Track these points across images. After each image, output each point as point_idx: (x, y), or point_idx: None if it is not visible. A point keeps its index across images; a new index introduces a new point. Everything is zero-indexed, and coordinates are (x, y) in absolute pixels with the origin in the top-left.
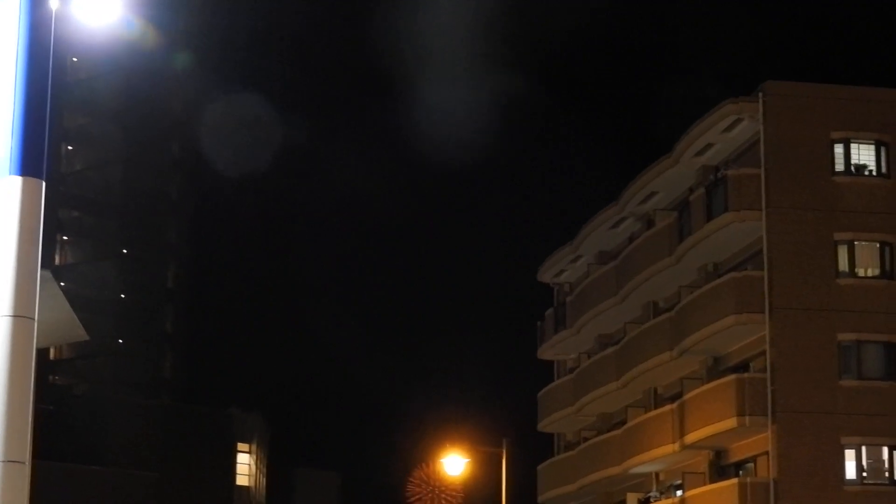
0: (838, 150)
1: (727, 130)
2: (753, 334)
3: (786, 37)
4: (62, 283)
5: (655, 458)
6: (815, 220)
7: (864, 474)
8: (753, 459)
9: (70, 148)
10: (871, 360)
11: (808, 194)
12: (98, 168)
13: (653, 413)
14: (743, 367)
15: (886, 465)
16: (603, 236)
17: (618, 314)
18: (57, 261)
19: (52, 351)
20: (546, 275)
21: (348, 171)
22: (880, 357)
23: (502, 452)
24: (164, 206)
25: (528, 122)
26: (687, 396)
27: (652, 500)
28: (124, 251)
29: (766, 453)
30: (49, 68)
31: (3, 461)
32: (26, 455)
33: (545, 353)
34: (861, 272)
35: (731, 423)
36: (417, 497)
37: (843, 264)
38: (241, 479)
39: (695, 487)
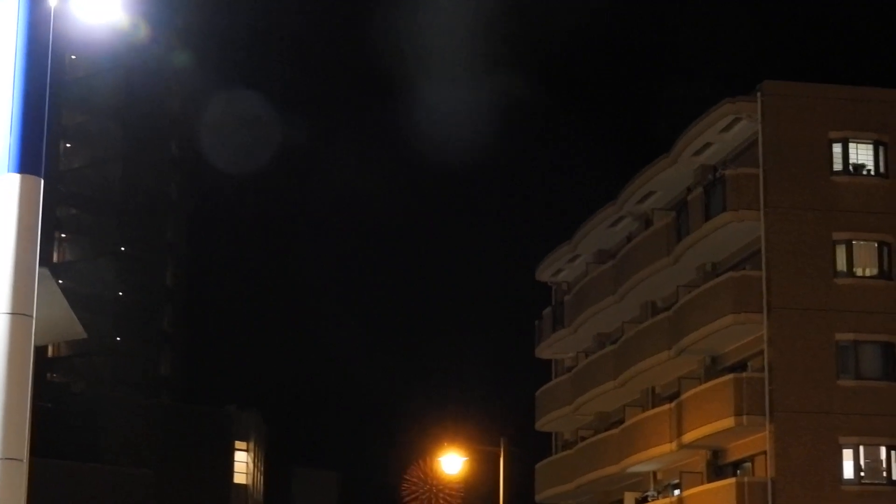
0: (837, 149)
1: (725, 130)
2: (751, 334)
3: (785, 37)
4: (60, 281)
5: (653, 457)
6: (813, 220)
7: (862, 474)
8: (751, 459)
9: (68, 146)
10: (869, 359)
11: (806, 194)
12: (96, 166)
13: (650, 412)
14: (741, 366)
15: (884, 464)
16: (601, 235)
17: (616, 313)
18: (55, 258)
19: (50, 349)
20: (544, 274)
21: (348, 171)
22: (878, 357)
23: (500, 451)
24: (163, 204)
25: (527, 122)
26: (685, 396)
27: (649, 499)
28: (123, 249)
29: (764, 453)
30: (48, 66)
31: (1, 458)
32: (24, 452)
33: (543, 352)
34: (859, 272)
35: (728, 422)
36: (414, 496)
37: (842, 264)
38: (239, 478)
39: (692, 487)
